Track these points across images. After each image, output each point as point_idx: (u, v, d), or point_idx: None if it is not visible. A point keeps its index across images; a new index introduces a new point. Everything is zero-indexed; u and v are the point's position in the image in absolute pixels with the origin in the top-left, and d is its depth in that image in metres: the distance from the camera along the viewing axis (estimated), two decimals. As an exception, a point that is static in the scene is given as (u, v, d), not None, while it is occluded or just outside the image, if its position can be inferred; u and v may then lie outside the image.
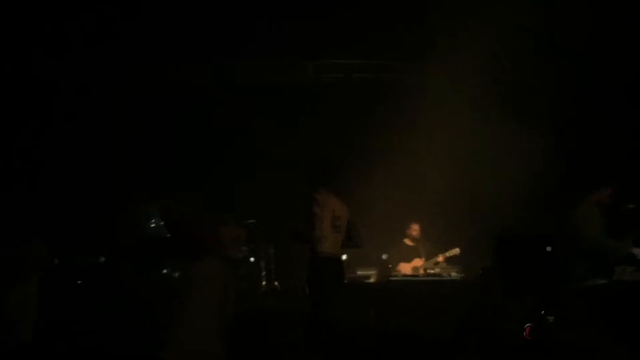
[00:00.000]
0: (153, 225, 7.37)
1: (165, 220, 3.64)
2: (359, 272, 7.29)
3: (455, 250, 7.23)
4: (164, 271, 6.71)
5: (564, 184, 7.19)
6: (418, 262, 7.37)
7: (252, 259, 7.80)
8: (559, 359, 5.09)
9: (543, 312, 5.46)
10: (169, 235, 3.62)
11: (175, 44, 7.51)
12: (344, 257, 7.57)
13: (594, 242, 5.39)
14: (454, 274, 6.87)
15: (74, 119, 7.72)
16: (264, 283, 7.85)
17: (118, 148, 7.91)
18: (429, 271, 7.18)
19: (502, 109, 7.52)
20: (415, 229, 7.56)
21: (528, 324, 5.37)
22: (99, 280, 6.69)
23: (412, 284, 6.63)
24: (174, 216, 3.54)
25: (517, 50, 7.38)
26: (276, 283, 7.91)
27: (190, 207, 3.60)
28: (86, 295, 6.38)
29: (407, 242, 7.58)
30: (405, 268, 7.31)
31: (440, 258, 7.26)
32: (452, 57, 7.44)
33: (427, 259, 7.38)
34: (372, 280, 7.19)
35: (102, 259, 6.98)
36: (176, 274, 6.71)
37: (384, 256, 7.31)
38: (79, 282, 6.63)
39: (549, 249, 5.86)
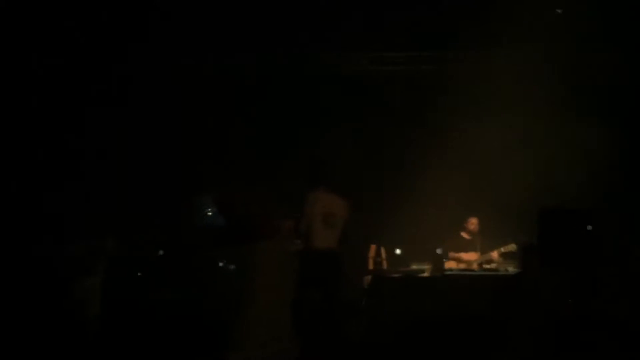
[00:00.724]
0: (210, 213, 7.47)
1: (222, 206, 3.66)
2: (413, 266, 7.24)
3: (512, 246, 7.01)
4: (220, 264, 6.83)
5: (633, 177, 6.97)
6: (473, 256, 7.25)
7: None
8: (599, 336, 4.94)
9: (584, 288, 5.30)
10: (225, 224, 3.64)
11: (226, 37, 7.55)
12: (398, 251, 7.60)
13: None
14: (511, 269, 6.73)
15: (127, 110, 7.88)
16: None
17: (171, 141, 8.04)
18: (484, 266, 7.06)
19: (567, 99, 7.30)
20: (473, 223, 7.40)
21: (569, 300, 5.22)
22: (159, 273, 6.88)
23: (467, 278, 6.55)
24: (231, 202, 3.56)
25: (582, 38, 7.13)
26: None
27: (247, 195, 3.62)
28: (146, 287, 6.57)
29: (465, 235, 7.45)
30: (459, 261, 7.22)
31: (495, 254, 7.08)
32: (514, 47, 7.27)
33: (482, 253, 7.23)
34: (426, 274, 7.13)
35: (161, 252, 7.17)
36: (232, 267, 6.83)
37: (439, 250, 7.23)
38: (139, 274, 6.83)
39: (589, 227, 5.80)
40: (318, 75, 8.31)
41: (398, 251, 7.55)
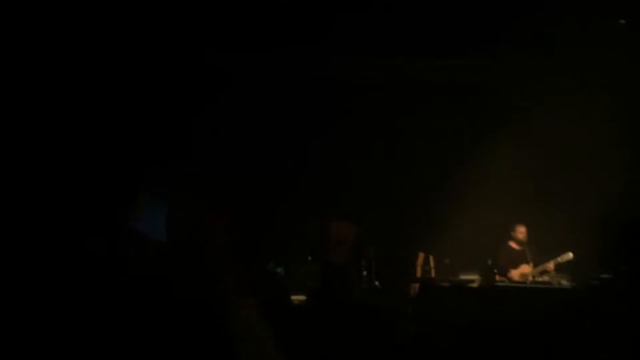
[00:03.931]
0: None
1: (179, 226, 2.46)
2: (462, 277, 7.14)
3: (568, 255, 6.79)
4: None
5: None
6: (526, 268, 7.06)
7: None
8: None
9: None
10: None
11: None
12: (447, 260, 7.49)
13: None
14: (564, 282, 6.57)
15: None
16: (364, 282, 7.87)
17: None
18: (537, 279, 6.89)
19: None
20: (521, 232, 7.22)
21: None
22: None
23: (518, 290, 6.42)
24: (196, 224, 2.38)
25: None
26: (376, 283, 7.90)
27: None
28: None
29: (513, 245, 7.29)
30: (513, 274, 7.07)
31: (551, 265, 6.86)
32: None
33: (535, 264, 7.04)
34: (475, 285, 7.02)
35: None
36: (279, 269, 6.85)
37: (489, 261, 7.11)
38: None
39: None
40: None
41: (447, 260, 7.47)
